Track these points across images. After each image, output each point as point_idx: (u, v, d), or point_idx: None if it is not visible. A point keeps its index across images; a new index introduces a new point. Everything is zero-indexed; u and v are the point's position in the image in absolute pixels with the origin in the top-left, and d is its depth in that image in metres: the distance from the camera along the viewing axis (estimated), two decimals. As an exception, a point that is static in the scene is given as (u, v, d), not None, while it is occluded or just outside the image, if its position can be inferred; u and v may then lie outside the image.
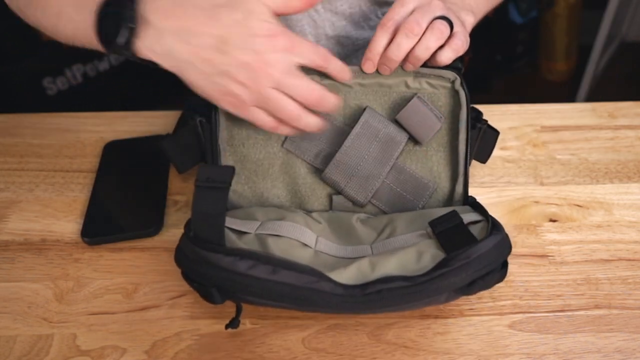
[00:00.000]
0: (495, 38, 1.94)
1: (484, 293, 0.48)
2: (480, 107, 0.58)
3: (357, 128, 0.50)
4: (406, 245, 0.46)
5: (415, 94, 0.51)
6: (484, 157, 0.57)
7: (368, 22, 0.65)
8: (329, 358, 0.44)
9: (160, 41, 0.43)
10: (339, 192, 0.52)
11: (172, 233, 0.54)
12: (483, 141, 0.54)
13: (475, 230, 0.45)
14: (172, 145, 0.53)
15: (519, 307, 0.47)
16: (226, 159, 0.52)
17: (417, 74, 0.51)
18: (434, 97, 0.51)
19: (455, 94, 0.51)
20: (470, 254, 0.41)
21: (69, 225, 0.55)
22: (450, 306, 0.47)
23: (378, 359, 0.44)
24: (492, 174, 0.61)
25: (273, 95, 0.44)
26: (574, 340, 0.45)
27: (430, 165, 0.53)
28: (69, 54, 1.43)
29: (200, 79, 0.44)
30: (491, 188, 0.59)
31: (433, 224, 0.47)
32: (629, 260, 0.51)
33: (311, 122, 0.47)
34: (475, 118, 0.53)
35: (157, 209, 0.55)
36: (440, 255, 0.43)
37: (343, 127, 0.52)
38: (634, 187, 0.59)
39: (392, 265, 0.43)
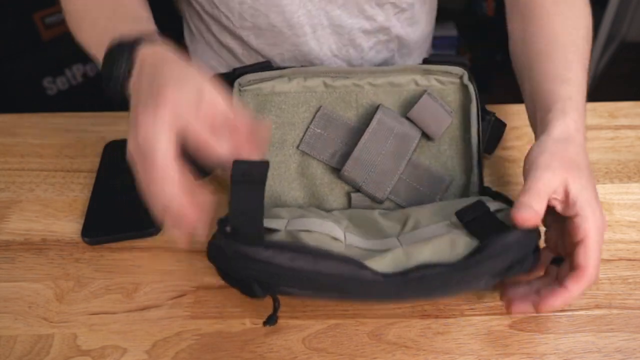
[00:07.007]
0: (495, 38, 1.94)
1: (485, 293, 0.48)
2: (481, 107, 0.58)
3: (372, 125, 0.51)
4: (435, 235, 0.46)
5: (425, 90, 0.52)
6: (491, 149, 0.58)
7: (363, 12, 0.65)
8: (330, 358, 0.44)
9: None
10: (357, 190, 0.53)
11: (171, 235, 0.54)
12: (492, 132, 0.56)
13: (500, 217, 0.46)
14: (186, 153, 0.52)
15: (519, 307, 0.47)
16: None
17: (425, 71, 0.52)
18: (444, 92, 0.53)
19: (464, 88, 0.53)
20: (507, 238, 0.41)
21: (70, 225, 0.55)
22: (450, 306, 0.47)
23: (378, 359, 0.44)
24: (493, 174, 0.61)
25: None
26: (575, 340, 0.45)
27: (444, 160, 0.54)
28: (69, 54, 1.43)
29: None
30: (491, 188, 0.59)
31: (460, 214, 0.47)
32: (630, 260, 0.51)
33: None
34: (483, 110, 0.54)
35: (157, 209, 0.55)
36: (473, 242, 0.43)
37: (357, 126, 0.53)
38: (634, 187, 0.59)
39: (426, 253, 0.43)
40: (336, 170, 0.53)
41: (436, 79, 0.53)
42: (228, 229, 0.41)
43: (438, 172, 0.53)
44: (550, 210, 0.44)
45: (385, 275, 0.39)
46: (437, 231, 0.46)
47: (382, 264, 0.41)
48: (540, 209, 0.42)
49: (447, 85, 0.53)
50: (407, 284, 0.39)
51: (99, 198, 0.57)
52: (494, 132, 0.56)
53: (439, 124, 0.52)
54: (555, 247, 0.46)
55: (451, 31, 1.84)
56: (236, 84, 0.52)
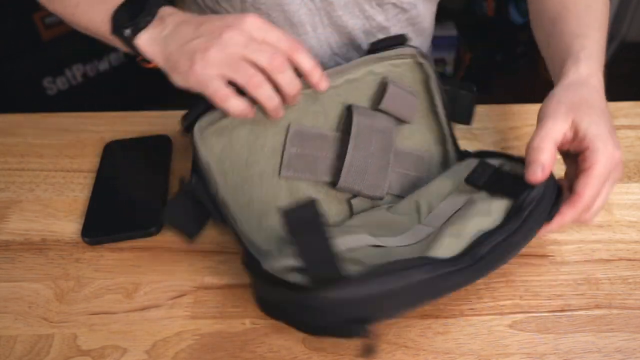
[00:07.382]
0: (495, 38, 1.94)
1: (485, 293, 0.48)
2: (481, 107, 0.58)
3: (354, 129, 0.50)
4: (457, 206, 0.47)
5: (386, 77, 0.52)
6: (466, 119, 0.57)
7: (364, 12, 0.65)
8: (330, 358, 0.44)
9: (161, 32, 0.47)
10: (355, 195, 0.52)
11: (172, 233, 0.54)
12: (458, 102, 0.56)
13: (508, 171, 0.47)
14: (174, 215, 0.47)
15: (519, 307, 0.47)
16: (232, 210, 0.47)
17: (379, 59, 0.53)
18: (402, 75, 0.54)
19: (419, 66, 0.54)
20: (540, 189, 0.42)
21: (70, 225, 0.55)
22: (450, 306, 0.47)
23: (378, 359, 0.44)
24: (493, 173, 0.61)
25: (236, 60, 0.44)
26: (575, 340, 0.45)
27: (417, 138, 0.55)
28: (69, 54, 1.43)
29: (176, 55, 0.46)
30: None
31: (470, 179, 0.48)
32: (630, 260, 0.51)
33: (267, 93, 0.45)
34: (443, 82, 0.55)
35: (157, 209, 0.55)
36: (505, 201, 0.44)
37: (333, 134, 0.52)
38: (634, 187, 0.59)
39: (470, 228, 0.43)
40: (328, 184, 0.51)
41: (390, 64, 0.53)
42: (305, 281, 0.38)
43: (417, 151, 0.55)
44: (565, 152, 0.46)
45: (453, 261, 0.40)
46: (455, 202, 0.47)
47: (441, 252, 0.41)
48: (546, 158, 0.43)
49: (402, 67, 0.53)
50: (479, 263, 0.40)
51: (99, 198, 0.57)
52: (461, 101, 0.56)
53: (410, 108, 0.53)
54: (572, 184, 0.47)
55: (451, 31, 1.84)
56: (196, 130, 0.46)
